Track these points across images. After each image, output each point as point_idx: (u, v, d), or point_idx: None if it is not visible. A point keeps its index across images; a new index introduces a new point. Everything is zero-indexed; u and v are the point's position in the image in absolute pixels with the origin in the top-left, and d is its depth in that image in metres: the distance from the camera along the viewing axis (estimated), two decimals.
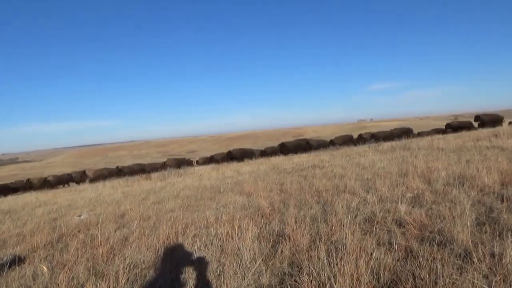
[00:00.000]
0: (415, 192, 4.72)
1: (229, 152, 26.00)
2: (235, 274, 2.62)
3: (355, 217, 3.64)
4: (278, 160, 17.94)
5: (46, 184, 22.96)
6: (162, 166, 25.55)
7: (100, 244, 3.83)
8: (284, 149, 25.04)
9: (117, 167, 25.71)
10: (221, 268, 2.80)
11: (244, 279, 2.56)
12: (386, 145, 16.59)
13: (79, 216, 6.52)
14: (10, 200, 16.14)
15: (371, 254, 2.62)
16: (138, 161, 62.56)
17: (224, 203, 5.81)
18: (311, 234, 3.26)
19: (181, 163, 25.59)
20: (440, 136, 20.95)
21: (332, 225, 3.37)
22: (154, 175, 17.65)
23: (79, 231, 4.89)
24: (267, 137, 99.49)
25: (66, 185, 22.39)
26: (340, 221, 3.46)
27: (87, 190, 15.41)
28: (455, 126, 27.16)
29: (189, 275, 2.76)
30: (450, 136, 17.03)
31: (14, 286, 3.02)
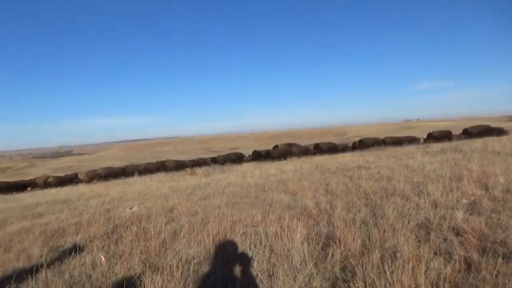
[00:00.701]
0: (472, 198, 4.49)
1: (275, 146, 26.19)
2: (286, 276, 2.63)
3: (408, 222, 3.51)
4: (322, 159, 17.77)
5: (97, 176, 24.22)
6: (212, 161, 26.11)
7: (153, 237, 3.99)
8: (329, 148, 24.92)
9: (163, 162, 26.54)
10: (271, 268, 2.82)
11: (295, 281, 2.56)
12: (436, 146, 15.95)
13: (131, 208, 6.81)
14: (67, 190, 17.22)
15: (428, 264, 2.53)
16: (182, 156, 64.34)
17: (269, 201, 5.83)
18: (362, 238, 3.19)
19: (229, 159, 25.98)
20: (495, 138, 19.76)
21: (384, 230, 3.28)
22: (199, 171, 18.11)
23: (131, 224, 5.11)
24: (309, 136, 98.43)
25: (116, 178, 23.45)
26: (393, 226, 3.36)
27: (136, 183, 16.09)
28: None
29: (240, 274, 2.80)
30: (505, 138, 16.03)
31: (76, 273, 3.22)
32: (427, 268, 2.44)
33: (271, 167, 15.13)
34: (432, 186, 5.45)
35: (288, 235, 3.44)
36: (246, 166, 17.69)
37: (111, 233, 4.74)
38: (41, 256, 3.97)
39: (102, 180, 23.39)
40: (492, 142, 14.19)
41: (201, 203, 6.46)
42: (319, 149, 26.01)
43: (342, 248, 3.02)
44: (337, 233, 3.33)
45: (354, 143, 27.01)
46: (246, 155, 27.68)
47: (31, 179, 24.39)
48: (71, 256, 3.78)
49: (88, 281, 3.00)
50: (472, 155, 9.87)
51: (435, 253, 2.82)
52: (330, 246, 3.15)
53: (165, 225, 4.81)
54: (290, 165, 14.99)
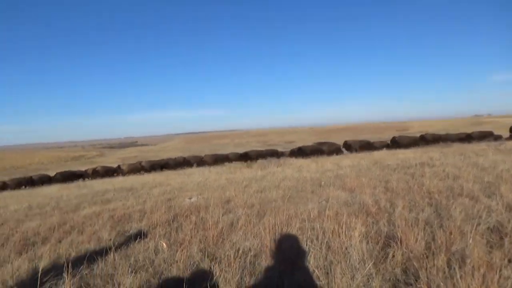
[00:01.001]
0: None
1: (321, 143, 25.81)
2: (344, 274, 2.57)
3: (478, 225, 3.26)
4: (381, 154, 17.14)
5: (165, 166, 25.55)
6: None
7: (211, 227, 4.12)
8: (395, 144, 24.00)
9: (226, 155, 27.28)
10: (328, 266, 2.77)
11: (353, 280, 2.50)
12: (510, 144, 14.68)
13: (190, 198, 7.08)
14: (133, 179, 18.35)
15: (501, 271, 2.33)
16: (239, 148, 65.45)
17: (326, 197, 5.74)
18: (425, 240, 3.03)
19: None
20: None
21: (451, 233, 3.07)
22: (255, 164, 18.37)
23: (191, 213, 5.31)
24: (368, 131, 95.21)
25: (178, 169, 24.52)
26: (460, 229, 3.15)
27: (194, 174, 16.72)
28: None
29: (297, 268, 2.79)
30: None
31: (140, 257, 3.42)
32: (500, 277, 2.26)
33: (327, 162, 14.90)
34: (506, 187, 5.03)
35: (346, 232, 3.36)
36: (302, 161, 17.53)
37: (172, 221, 4.96)
38: (110, 240, 4.26)
39: (146, 171, 24.54)
40: None
41: (257, 196, 6.53)
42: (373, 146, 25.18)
43: (404, 249, 2.89)
44: (398, 233, 3.19)
45: (420, 136, 25.64)
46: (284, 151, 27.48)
47: (83, 170, 26.30)
48: (136, 241, 4.01)
49: (151, 266, 3.17)
50: None
51: (510, 261, 2.60)
52: (390, 246, 3.03)
53: (222, 215, 4.93)
54: (347, 160, 14.66)
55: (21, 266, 3.55)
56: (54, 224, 5.61)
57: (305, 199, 5.83)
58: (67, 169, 32.97)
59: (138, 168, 25.32)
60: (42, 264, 3.32)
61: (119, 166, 25.74)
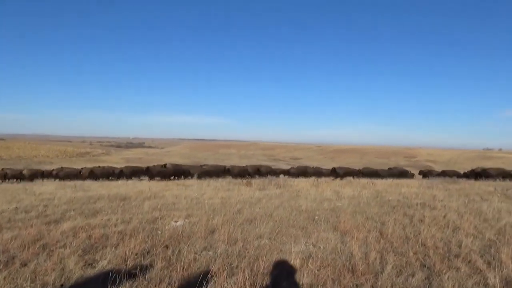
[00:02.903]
0: None
1: (333, 169, 25.36)
2: None
3: None
4: (384, 185, 16.67)
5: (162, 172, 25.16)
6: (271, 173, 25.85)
7: (183, 268, 3.84)
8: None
9: (225, 167, 26.76)
10: None
11: None
12: None
13: (176, 222, 6.80)
14: (130, 184, 18.15)
15: None
16: (244, 160, 65.40)
17: (314, 239, 5.43)
18: None
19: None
20: None
21: None
22: (255, 181, 18.00)
23: (167, 247, 4.98)
24: (375, 154, 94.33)
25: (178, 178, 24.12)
26: None
27: (193, 186, 16.38)
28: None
29: None
30: None
31: None
32: None
33: (328, 188, 14.52)
34: (508, 250, 4.67)
35: None
36: (302, 183, 17.13)
37: (147, 253, 4.67)
38: (72, 270, 3.98)
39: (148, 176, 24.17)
40: None
41: (245, 228, 6.22)
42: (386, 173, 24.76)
43: None
44: None
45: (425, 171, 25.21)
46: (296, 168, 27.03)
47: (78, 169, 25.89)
48: (95, 282, 3.72)
49: None
50: None
51: None
52: None
53: (201, 252, 4.67)
54: (348, 189, 14.23)
55: None
56: (29, 240, 5.34)
57: (293, 238, 5.53)
58: (71, 165, 33.00)
59: (140, 172, 25.03)
60: None
61: (121, 170, 25.41)
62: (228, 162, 52.88)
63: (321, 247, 4.95)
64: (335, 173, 24.58)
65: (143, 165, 28.23)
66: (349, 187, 15.29)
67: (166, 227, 6.34)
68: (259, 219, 7.06)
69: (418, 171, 29.72)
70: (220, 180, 21.40)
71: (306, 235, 5.79)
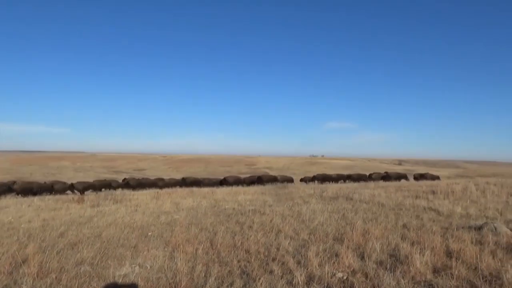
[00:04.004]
0: (347, 271, 4.39)
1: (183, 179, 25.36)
2: None
3: None
4: (223, 193, 17.31)
5: None
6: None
7: None
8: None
9: (71, 184, 23.68)
10: None
11: None
12: (331, 190, 16.43)
13: None
14: None
15: None
16: (80, 174, 59.08)
17: (142, 259, 5.17)
18: None
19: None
20: (383, 183, 21.51)
21: None
22: (88, 197, 16.41)
23: None
24: (219, 163, 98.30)
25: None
26: None
27: (9, 208, 13.84)
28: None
29: None
30: (392, 187, 17.21)
31: None
32: None
33: (168, 200, 14.26)
34: (314, 249, 5.30)
35: None
36: (143, 196, 16.43)
37: None
38: None
39: None
40: (379, 189, 15.22)
41: (64, 254, 5.53)
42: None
43: None
44: None
45: (259, 177, 27.44)
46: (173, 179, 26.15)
47: None
48: None
49: None
50: (359, 206, 10.25)
51: None
52: None
53: None
54: (189, 200, 14.27)
55: None
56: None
57: (120, 260, 5.18)
58: None
59: None
60: None
61: None
62: (61, 177, 47.02)
63: (148, 266, 4.77)
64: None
65: None
66: (191, 198, 15.36)
67: None
68: (85, 242, 6.42)
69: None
70: (47, 198, 18.78)
71: (135, 254, 5.50)
